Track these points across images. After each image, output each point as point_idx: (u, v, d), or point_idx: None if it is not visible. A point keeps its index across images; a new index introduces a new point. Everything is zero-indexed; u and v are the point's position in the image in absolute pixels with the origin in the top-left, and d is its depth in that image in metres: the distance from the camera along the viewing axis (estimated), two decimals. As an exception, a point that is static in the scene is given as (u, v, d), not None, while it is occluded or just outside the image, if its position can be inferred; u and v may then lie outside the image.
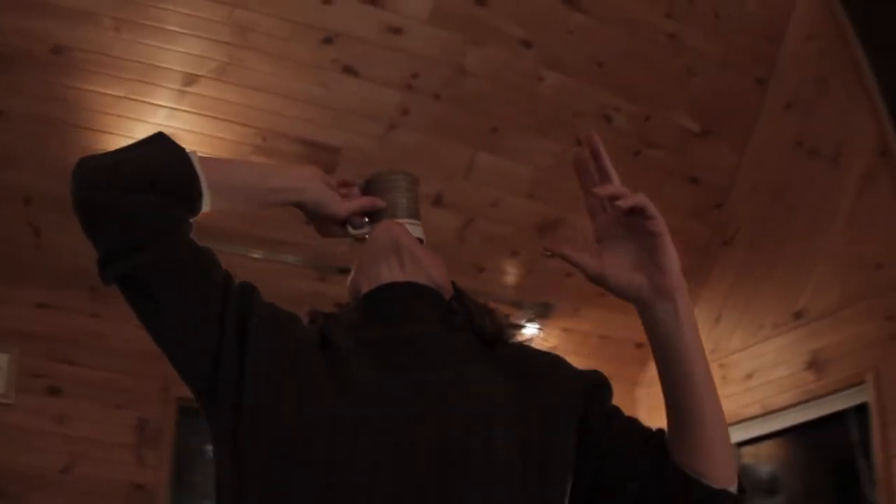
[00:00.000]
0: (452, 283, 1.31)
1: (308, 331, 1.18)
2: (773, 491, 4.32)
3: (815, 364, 3.89)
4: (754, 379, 4.22)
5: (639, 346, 4.82)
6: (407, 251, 1.23)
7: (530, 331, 4.49)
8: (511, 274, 4.44)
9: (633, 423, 1.17)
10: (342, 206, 1.24)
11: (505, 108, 3.95)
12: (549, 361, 1.22)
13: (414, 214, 1.29)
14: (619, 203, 1.00)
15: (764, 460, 4.40)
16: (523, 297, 4.44)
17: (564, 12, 3.82)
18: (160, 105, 3.52)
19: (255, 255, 3.83)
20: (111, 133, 3.51)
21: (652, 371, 4.65)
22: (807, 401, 3.91)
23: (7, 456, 3.60)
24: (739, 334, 4.37)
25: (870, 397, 3.55)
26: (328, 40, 3.50)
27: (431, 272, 1.24)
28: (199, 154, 1.14)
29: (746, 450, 4.38)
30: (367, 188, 1.29)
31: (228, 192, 1.15)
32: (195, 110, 3.56)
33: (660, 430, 1.14)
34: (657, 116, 4.22)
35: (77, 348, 3.80)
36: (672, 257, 1.03)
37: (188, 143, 3.54)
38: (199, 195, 1.10)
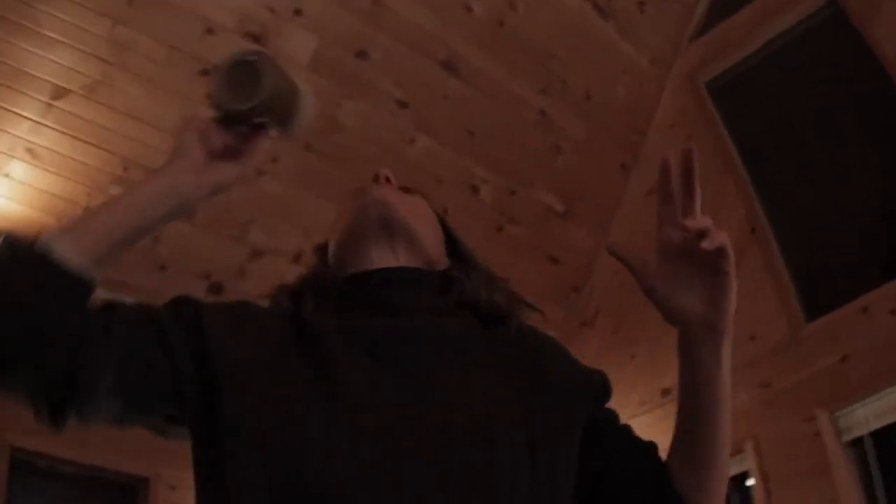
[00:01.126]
0: (452, 241, 1.24)
1: (273, 319, 1.07)
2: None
3: None
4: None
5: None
6: (402, 231, 1.14)
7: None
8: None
9: (631, 433, 1.14)
10: (229, 169, 1.05)
11: (372, 167, 3.81)
12: (554, 351, 1.17)
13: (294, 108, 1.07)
14: (705, 244, 0.96)
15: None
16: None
17: (443, 77, 3.82)
18: (25, 116, 3.23)
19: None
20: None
21: None
22: None
23: None
24: (602, 415, 4.29)
25: (751, 465, 3.54)
26: (205, 72, 3.32)
27: (426, 247, 1.16)
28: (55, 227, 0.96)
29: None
30: (225, 84, 1.04)
31: (108, 250, 1.00)
32: (59, 127, 3.28)
33: (654, 444, 1.12)
34: (522, 192, 4.24)
35: None
36: (731, 299, 1.00)
37: (46, 162, 3.23)
38: (79, 283, 0.94)
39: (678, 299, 1.02)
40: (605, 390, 1.16)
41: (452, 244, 1.24)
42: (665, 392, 3.98)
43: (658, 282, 1.03)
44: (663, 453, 1.08)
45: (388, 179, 1.22)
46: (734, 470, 3.62)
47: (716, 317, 1.00)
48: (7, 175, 3.28)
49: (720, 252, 0.97)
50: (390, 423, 0.94)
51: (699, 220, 0.98)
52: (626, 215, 4.50)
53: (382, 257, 1.13)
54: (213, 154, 1.02)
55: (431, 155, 3.97)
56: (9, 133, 3.22)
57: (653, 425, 3.92)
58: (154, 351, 0.96)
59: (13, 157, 3.26)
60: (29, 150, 3.27)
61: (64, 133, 3.29)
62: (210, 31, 3.35)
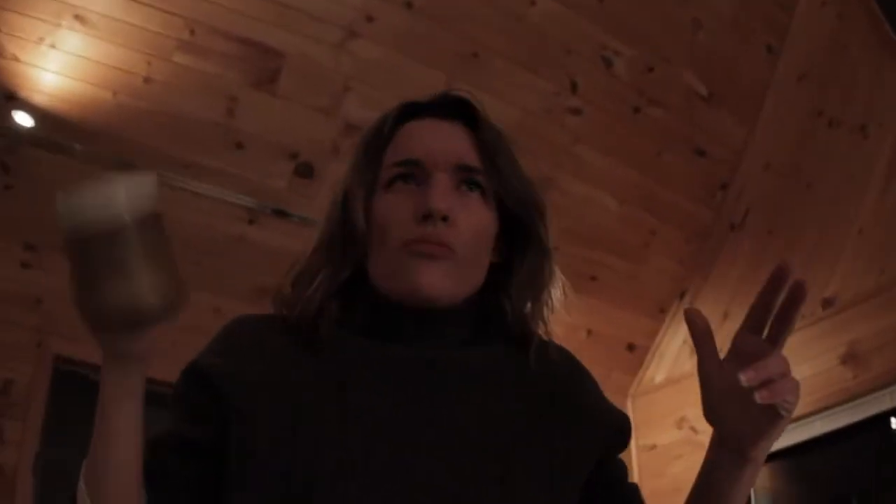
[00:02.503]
0: (492, 264, 1.07)
1: (275, 333, 1.01)
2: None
3: (851, 358, 3.31)
4: (775, 381, 3.57)
5: (631, 348, 4.17)
6: (443, 312, 1.03)
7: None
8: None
9: (636, 496, 1.10)
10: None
11: (487, 30, 3.34)
12: (582, 383, 1.12)
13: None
14: (762, 397, 0.85)
15: (780, 485, 3.71)
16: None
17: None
18: None
19: (168, 181, 3.04)
20: (7, 9, 2.78)
21: (645, 379, 4.05)
22: (845, 400, 3.32)
23: None
24: (754, 330, 3.73)
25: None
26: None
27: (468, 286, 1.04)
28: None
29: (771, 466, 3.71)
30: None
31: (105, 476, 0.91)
32: (115, -12, 2.85)
33: None
34: (662, 69, 3.68)
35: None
36: (778, 436, 0.92)
37: (99, 30, 2.83)
38: None
39: (730, 411, 0.92)
40: (622, 436, 1.10)
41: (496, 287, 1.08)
42: (826, 303, 3.47)
43: (719, 379, 0.93)
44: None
45: (444, 218, 0.99)
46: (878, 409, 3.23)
47: (754, 444, 0.92)
48: (54, 46, 2.85)
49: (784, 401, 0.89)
50: (403, 456, 0.93)
51: (759, 372, 0.86)
52: (775, 100, 3.95)
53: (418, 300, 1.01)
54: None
55: (556, 20, 3.43)
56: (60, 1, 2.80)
57: (813, 341, 3.40)
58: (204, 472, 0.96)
59: (61, 25, 2.83)
60: (78, 17, 2.84)
61: (118, -6, 2.85)
62: None
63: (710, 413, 0.94)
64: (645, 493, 3.69)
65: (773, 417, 0.89)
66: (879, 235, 3.40)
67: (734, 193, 4.04)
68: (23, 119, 2.87)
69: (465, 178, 1.01)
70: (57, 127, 2.91)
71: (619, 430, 1.09)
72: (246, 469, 0.92)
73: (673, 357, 4.12)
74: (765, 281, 0.90)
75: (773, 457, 3.59)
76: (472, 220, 1.00)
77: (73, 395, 3.02)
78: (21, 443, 2.93)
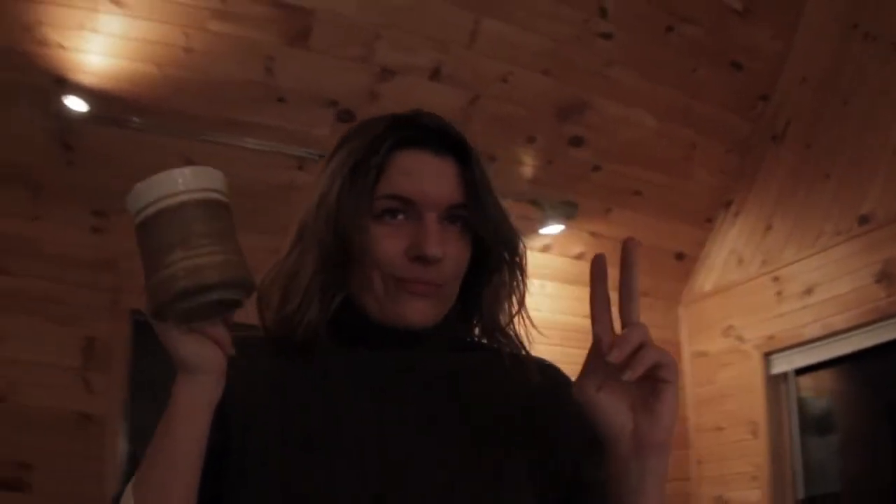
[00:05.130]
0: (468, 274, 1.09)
1: (263, 356, 1.05)
2: (829, 428, 3.80)
3: (886, 276, 3.34)
4: (815, 294, 3.66)
5: (679, 256, 4.25)
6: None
7: (552, 232, 3.88)
8: (527, 165, 3.83)
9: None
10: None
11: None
12: (556, 394, 1.07)
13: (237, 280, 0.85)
14: (626, 376, 0.84)
15: (822, 392, 3.84)
16: (542, 194, 3.82)
17: None
18: None
19: (220, 141, 3.24)
20: (47, 3, 2.93)
21: (696, 287, 4.14)
22: (878, 319, 3.37)
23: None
24: (795, 243, 3.80)
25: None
26: None
27: (447, 308, 1.08)
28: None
29: (803, 380, 3.81)
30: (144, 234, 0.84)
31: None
32: (146, -35, 2.99)
33: None
34: (692, -15, 3.63)
35: (12, 256, 3.22)
36: (671, 408, 0.88)
37: (135, 10, 2.91)
38: None
39: (613, 408, 0.89)
40: (596, 447, 1.00)
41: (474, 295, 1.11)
42: (863, 219, 3.48)
43: (594, 385, 0.89)
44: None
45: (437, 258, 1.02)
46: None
47: (650, 428, 0.88)
48: (94, 30, 3.01)
49: (654, 370, 0.85)
50: (391, 461, 0.96)
51: (622, 347, 0.84)
52: (813, 10, 3.88)
53: (403, 323, 1.05)
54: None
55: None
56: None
57: (850, 257, 3.47)
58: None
59: (97, 10, 2.98)
60: (114, 1, 2.99)
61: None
62: None
63: (600, 421, 0.90)
64: (694, 399, 3.96)
65: (661, 386, 0.86)
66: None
67: (773, 105, 4.02)
68: (76, 103, 3.05)
69: (449, 215, 1.04)
70: (109, 104, 3.10)
71: (590, 444, 1.05)
72: (243, 481, 0.95)
73: (721, 266, 4.19)
74: (591, 278, 0.90)
75: (819, 367, 3.70)
76: (456, 253, 1.04)
77: (153, 345, 3.29)
78: (108, 393, 3.23)
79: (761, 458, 3.77)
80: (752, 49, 3.89)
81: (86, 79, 3.09)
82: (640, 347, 0.84)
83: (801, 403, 3.84)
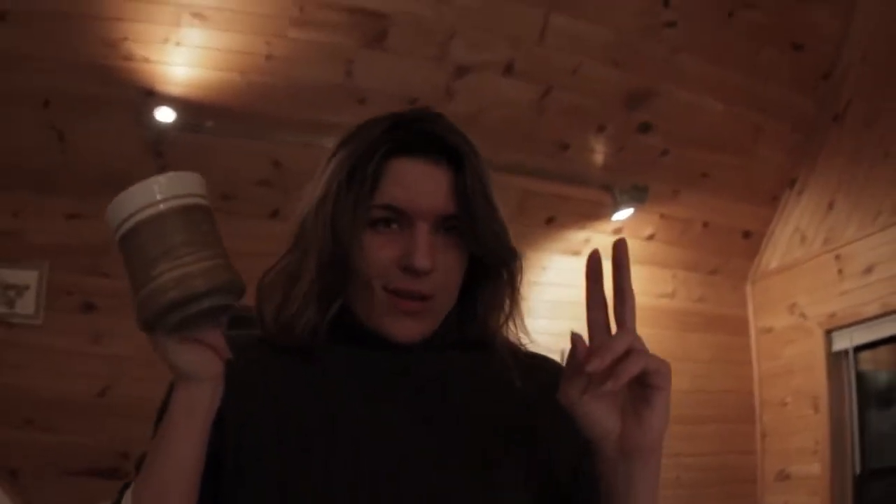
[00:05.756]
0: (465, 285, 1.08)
1: (263, 360, 1.04)
2: (890, 401, 3.88)
3: None
4: (875, 273, 3.74)
5: (747, 235, 4.37)
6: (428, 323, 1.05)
7: (624, 216, 4.00)
8: (598, 152, 3.93)
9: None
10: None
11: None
12: (554, 390, 0.98)
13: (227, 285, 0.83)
14: (609, 386, 0.81)
15: (882, 366, 3.94)
16: (614, 179, 3.93)
17: None
18: None
19: (304, 141, 3.36)
20: (130, 20, 3.08)
21: (762, 265, 4.20)
22: None
23: (38, 381, 3.27)
24: (856, 221, 3.86)
25: None
26: None
27: (440, 320, 1.07)
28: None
29: (863, 355, 3.92)
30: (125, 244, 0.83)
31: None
32: (222, -17, 3.09)
33: None
34: (753, -29, 3.67)
35: (112, 259, 3.38)
36: (661, 414, 0.85)
37: (216, 22, 3.09)
38: None
39: (601, 411, 0.87)
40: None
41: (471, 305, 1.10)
42: None
43: (576, 386, 0.87)
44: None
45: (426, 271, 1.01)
46: None
47: (637, 433, 0.85)
48: (178, 44, 3.15)
49: (644, 377, 0.83)
50: (387, 460, 0.96)
51: (603, 356, 0.81)
52: None
53: (394, 335, 1.03)
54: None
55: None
56: (169, 4, 3.06)
57: None
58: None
59: (181, 25, 3.11)
60: (195, 15, 3.11)
61: (227, -12, 3.09)
62: None
63: (587, 424, 0.88)
64: (762, 373, 4.08)
65: (651, 392, 0.84)
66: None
67: (834, 84, 4.05)
68: (164, 114, 3.19)
69: (444, 225, 1.03)
70: (196, 112, 3.24)
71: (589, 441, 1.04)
72: (240, 481, 0.95)
73: (785, 244, 4.28)
74: (585, 279, 0.88)
75: (879, 343, 3.77)
76: (449, 264, 1.03)
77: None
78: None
79: (822, 432, 3.88)
80: (812, 29, 3.92)
81: (173, 89, 3.23)
82: (627, 354, 0.81)
83: (863, 378, 3.93)
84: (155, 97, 3.21)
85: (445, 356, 1.07)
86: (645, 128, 3.87)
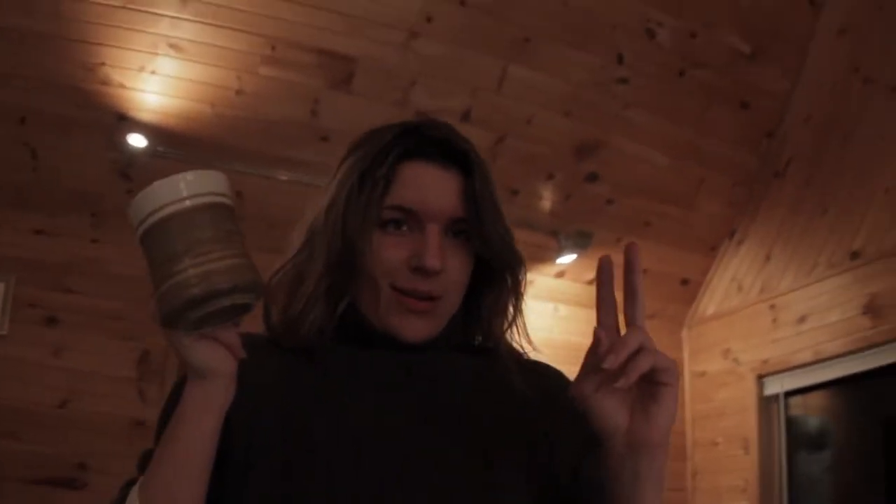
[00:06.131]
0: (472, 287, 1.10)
1: (273, 357, 1.05)
2: (820, 445, 4.07)
3: (872, 309, 3.59)
4: (807, 322, 3.92)
5: (684, 282, 4.57)
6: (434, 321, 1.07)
7: (567, 260, 4.18)
8: (547, 199, 4.12)
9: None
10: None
11: (536, 16, 3.63)
12: (557, 395, 1.05)
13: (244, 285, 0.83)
14: (620, 384, 0.84)
15: (813, 412, 4.13)
16: (560, 225, 4.11)
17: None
18: (161, 14, 3.23)
19: (265, 175, 3.53)
20: (110, 45, 3.23)
21: (698, 311, 4.36)
22: (863, 349, 3.62)
23: (1, 390, 3.37)
24: (792, 273, 4.06)
25: None
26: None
27: (446, 321, 1.08)
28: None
29: (794, 400, 4.12)
30: (146, 240, 0.83)
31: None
32: (199, 19, 3.25)
33: None
34: (704, 34, 3.90)
35: (76, 276, 3.55)
36: (667, 410, 0.87)
37: (191, 54, 3.28)
38: None
39: (609, 407, 0.89)
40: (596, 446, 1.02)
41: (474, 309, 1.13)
42: (854, 255, 3.72)
43: (591, 382, 0.90)
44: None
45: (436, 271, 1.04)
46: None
47: (645, 428, 0.87)
48: (154, 72, 3.31)
49: (652, 374, 0.86)
50: (391, 457, 0.96)
51: (618, 352, 0.84)
52: (817, 54, 4.10)
53: (401, 332, 1.05)
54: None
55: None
56: (148, 32, 3.22)
57: (841, 289, 3.78)
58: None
59: (157, 54, 3.27)
60: (172, 45, 3.27)
61: (204, 23, 3.25)
62: None
63: (595, 418, 0.90)
64: (694, 415, 4.27)
65: (659, 388, 0.87)
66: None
67: (777, 142, 4.25)
68: (136, 140, 3.35)
69: (453, 228, 1.05)
70: (165, 138, 3.39)
71: (590, 443, 1.04)
72: (245, 481, 0.95)
73: (722, 292, 4.46)
74: (596, 282, 0.91)
75: (809, 389, 3.95)
76: (457, 266, 1.05)
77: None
78: (160, 402, 3.53)
79: (752, 473, 4.03)
80: (759, 89, 4.13)
81: (145, 116, 3.38)
82: (638, 351, 0.84)
83: (794, 422, 4.09)
84: (127, 122, 3.36)
85: (449, 357, 1.08)
86: (592, 177, 4.07)
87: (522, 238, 3.94)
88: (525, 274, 1.11)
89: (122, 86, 3.32)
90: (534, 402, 1.06)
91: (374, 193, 1.02)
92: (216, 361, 0.88)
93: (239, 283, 0.80)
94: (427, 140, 1.06)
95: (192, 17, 3.24)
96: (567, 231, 4.08)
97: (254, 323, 1.00)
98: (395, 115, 3.55)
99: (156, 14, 3.21)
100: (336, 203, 1.04)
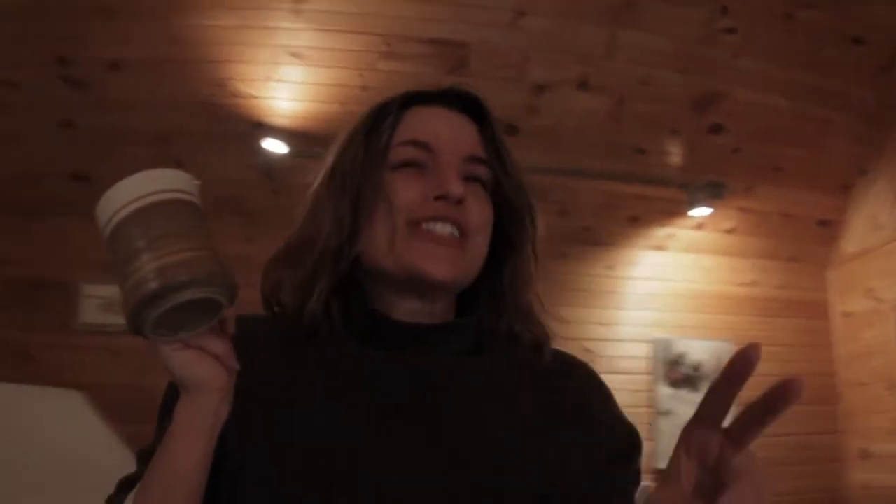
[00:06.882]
0: (487, 269, 1.04)
1: (267, 346, 0.99)
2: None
3: None
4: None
5: (822, 223, 4.55)
6: (451, 290, 1.01)
7: (702, 213, 4.24)
8: (674, 154, 4.19)
9: None
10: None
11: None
12: (585, 395, 1.01)
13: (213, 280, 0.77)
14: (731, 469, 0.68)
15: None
16: (690, 178, 4.18)
17: None
18: (276, 27, 3.50)
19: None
20: (234, 62, 3.53)
21: (842, 250, 4.30)
22: None
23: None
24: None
25: None
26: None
27: (469, 275, 1.01)
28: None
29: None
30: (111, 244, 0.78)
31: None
32: (314, 26, 3.51)
33: None
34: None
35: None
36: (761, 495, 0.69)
37: (312, 60, 3.50)
38: None
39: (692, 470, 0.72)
40: (628, 450, 0.98)
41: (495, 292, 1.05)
42: None
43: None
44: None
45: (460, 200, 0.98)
46: None
47: None
48: (280, 80, 3.58)
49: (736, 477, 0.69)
50: (394, 473, 0.89)
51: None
52: None
53: (412, 312, 1.00)
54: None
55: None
56: (268, 45, 3.49)
57: None
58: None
59: (280, 63, 3.54)
60: (293, 54, 3.53)
61: (318, 30, 3.50)
62: None
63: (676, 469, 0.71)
64: (843, 355, 4.24)
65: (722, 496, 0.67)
66: None
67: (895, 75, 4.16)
68: (273, 144, 3.63)
69: (471, 170, 0.99)
70: (302, 139, 3.66)
71: (625, 444, 0.99)
72: (239, 479, 0.89)
73: (861, 230, 4.40)
74: (725, 377, 0.69)
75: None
76: (478, 207, 0.99)
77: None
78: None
79: (897, 413, 3.97)
80: (870, 22, 4.03)
81: (279, 121, 3.65)
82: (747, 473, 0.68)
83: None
84: (263, 128, 3.64)
85: (459, 361, 0.99)
86: (717, 128, 4.11)
87: (655, 194, 4.07)
88: (538, 223, 1.05)
89: (252, 96, 3.60)
90: (548, 408, 0.98)
91: (381, 140, 0.98)
92: (205, 374, 0.81)
93: (199, 275, 0.74)
94: (433, 93, 1.04)
95: (306, 26, 3.50)
96: (697, 183, 4.13)
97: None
98: (514, 90, 3.79)
99: (271, 28, 3.49)
100: (342, 161, 1.00)
